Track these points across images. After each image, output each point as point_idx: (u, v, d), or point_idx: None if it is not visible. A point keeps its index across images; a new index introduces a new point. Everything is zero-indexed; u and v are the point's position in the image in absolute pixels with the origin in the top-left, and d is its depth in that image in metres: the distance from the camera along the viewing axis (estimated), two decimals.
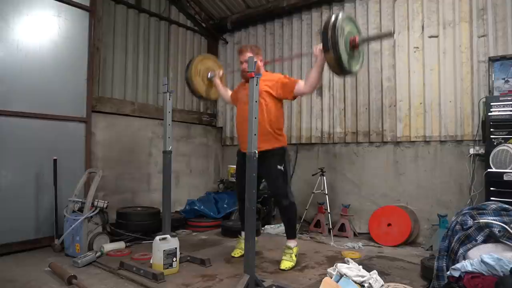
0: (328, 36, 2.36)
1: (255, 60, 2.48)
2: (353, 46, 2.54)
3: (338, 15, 2.44)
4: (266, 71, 3.40)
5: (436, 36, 4.07)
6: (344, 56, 2.44)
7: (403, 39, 4.28)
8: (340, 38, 2.38)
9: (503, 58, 3.62)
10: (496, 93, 3.61)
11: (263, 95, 3.06)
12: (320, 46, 2.59)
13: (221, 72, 3.64)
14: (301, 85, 3.00)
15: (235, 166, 3.45)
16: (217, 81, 3.62)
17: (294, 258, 3.10)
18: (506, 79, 3.61)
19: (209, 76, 3.64)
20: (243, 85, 3.30)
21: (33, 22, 3.56)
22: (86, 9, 3.94)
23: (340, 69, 2.47)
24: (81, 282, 2.60)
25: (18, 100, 3.44)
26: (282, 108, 3.25)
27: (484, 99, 3.55)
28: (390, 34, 2.60)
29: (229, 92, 3.63)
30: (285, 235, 3.28)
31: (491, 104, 3.40)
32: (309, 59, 5.05)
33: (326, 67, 2.74)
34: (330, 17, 2.44)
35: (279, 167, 3.06)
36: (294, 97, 3.14)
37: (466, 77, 3.89)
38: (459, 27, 3.93)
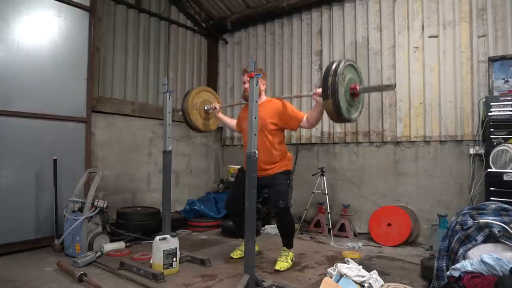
0: (328, 83, 2.26)
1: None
2: (353, 94, 2.44)
3: (341, 62, 2.33)
4: (269, 99, 3.24)
5: (436, 36, 4.07)
6: (343, 104, 2.33)
7: (403, 39, 4.29)
8: (340, 86, 2.29)
9: (503, 58, 3.63)
10: (496, 93, 3.62)
11: (268, 128, 3.06)
12: (320, 90, 2.50)
13: (218, 106, 3.55)
14: (304, 121, 3.00)
15: (235, 166, 3.45)
16: (221, 115, 3.61)
17: (290, 262, 3.11)
18: (506, 79, 3.61)
19: (206, 109, 3.57)
20: (245, 110, 3.22)
21: (33, 22, 3.56)
22: (86, 9, 3.94)
23: (338, 117, 2.36)
24: (92, 280, 2.62)
25: (18, 100, 3.44)
26: (284, 134, 3.23)
27: (484, 99, 3.56)
28: (391, 87, 2.44)
29: (234, 121, 3.60)
30: None
31: (491, 104, 3.42)
32: (309, 59, 5.06)
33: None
34: (332, 63, 2.34)
35: (283, 182, 3.11)
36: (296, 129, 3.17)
37: (466, 77, 3.89)
38: (459, 27, 3.93)
